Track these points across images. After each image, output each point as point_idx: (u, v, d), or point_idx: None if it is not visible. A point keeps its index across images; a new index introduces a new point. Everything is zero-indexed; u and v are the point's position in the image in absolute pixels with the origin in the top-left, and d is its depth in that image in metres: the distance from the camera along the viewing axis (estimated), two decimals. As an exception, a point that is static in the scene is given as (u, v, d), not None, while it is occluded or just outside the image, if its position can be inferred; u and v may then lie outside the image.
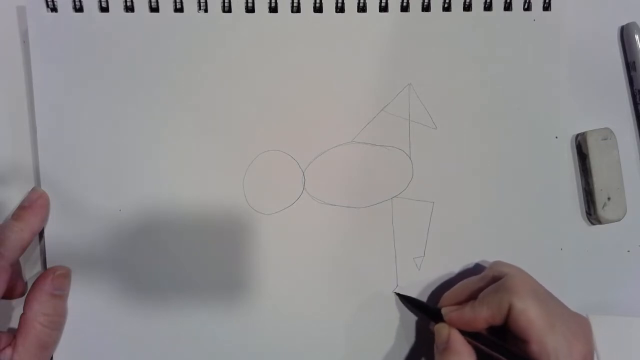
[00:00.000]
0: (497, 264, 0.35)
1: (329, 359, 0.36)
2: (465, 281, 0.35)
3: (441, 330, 0.33)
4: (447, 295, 0.35)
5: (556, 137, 0.37)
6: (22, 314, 0.33)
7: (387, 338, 0.37)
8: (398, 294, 0.37)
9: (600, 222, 0.38)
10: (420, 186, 0.37)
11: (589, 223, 0.39)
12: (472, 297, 0.33)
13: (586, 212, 0.39)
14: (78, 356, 0.35)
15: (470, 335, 0.32)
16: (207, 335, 0.36)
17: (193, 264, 0.36)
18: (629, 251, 0.39)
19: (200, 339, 0.36)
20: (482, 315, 0.32)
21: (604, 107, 0.39)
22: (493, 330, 0.33)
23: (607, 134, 0.38)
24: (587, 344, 0.31)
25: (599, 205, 0.38)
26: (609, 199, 0.38)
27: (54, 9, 0.35)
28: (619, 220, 0.38)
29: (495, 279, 0.33)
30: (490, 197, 0.37)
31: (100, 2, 0.35)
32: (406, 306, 0.37)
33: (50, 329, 0.33)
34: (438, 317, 0.34)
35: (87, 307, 0.35)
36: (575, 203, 0.39)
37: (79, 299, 0.35)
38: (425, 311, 0.36)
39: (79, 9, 0.35)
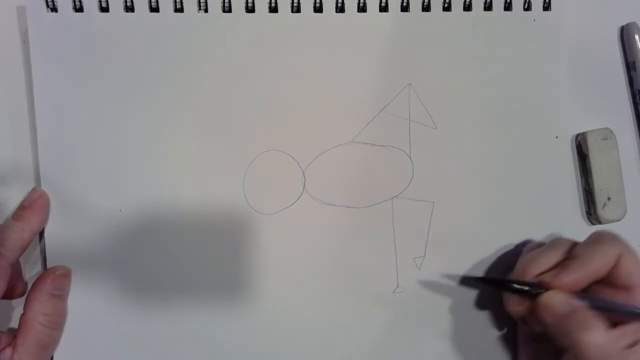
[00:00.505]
0: (562, 238, 0.34)
1: (328, 359, 0.36)
2: (535, 254, 0.33)
3: (553, 295, 0.31)
4: (535, 267, 0.33)
5: (556, 137, 0.37)
6: (22, 314, 0.33)
7: (388, 338, 0.37)
8: (477, 278, 0.36)
9: (600, 222, 0.38)
10: (420, 186, 0.37)
11: (589, 223, 0.39)
12: (553, 265, 0.32)
13: (586, 212, 0.39)
14: (78, 356, 0.35)
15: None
16: (207, 335, 0.36)
17: (193, 264, 0.36)
18: (629, 251, 0.39)
19: (200, 339, 0.36)
20: (592, 269, 0.31)
21: (604, 107, 0.39)
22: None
23: (607, 134, 0.38)
24: None
25: (599, 205, 0.38)
26: (609, 199, 0.38)
27: (54, 9, 0.35)
28: (619, 220, 0.38)
29: (563, 246, 0.33)
30: (490, 197, 0.37)
31: (100, 2, 0.35)
32: (477, 286, 0.36)
33: (51, 329, 0.33)
34: (524, 291, 0.32)
35: (87, 307, 0.35)
36: (575, 203, 0.39)
37: (79, 299, 0.35)
38: (507, 288, 0.33)
39: (79, 9, 0.35)
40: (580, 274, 0.31)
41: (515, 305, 0.33)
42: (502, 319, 0.37)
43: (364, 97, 0.37)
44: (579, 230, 0.39)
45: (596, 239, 0.32)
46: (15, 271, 0.34)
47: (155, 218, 0.36)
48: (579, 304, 0.30)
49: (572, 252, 0.32)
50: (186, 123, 0.36)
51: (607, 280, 0.31)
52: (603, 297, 0.31)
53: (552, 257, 0.33)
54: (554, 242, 0.34)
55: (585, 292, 0.32)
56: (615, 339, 0.29)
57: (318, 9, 0.36)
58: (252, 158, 0.36)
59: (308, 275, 0.36)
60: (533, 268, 0.32)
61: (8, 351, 0.32)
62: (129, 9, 0.35)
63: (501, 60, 0.37)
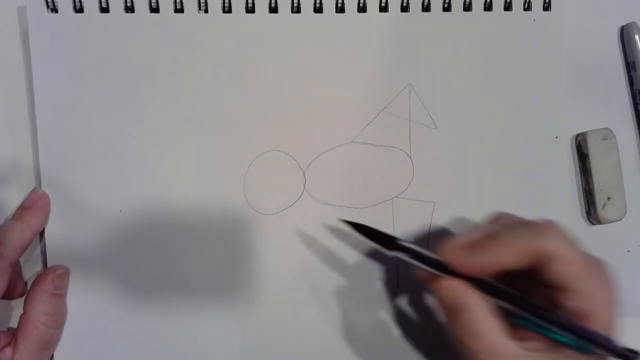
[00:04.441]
0: (500, 213, 0.32)
1: (328, 359, 0.36)
2: (469, 232, 0.30)
3: (449, 285, 0.28)
4: (453, 242, 0.29)
5: (556, 137, 0.37)
6: (23, 314, 0.33)
7: (388, 338, 0.37)
8: (398, 243, 0.30)
9: (600, 222, 0.38)
10: (420, 186, 0.37)
11: (589, 223, 0.39)
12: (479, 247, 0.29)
13: (586, 212, 0.39)
14: (78, 356, 0.35)
15: (483, 288, 0.28)
16: (207, 335, 0.36)
17: (193, 263, 0.36)
18: (629, 251, 0.39)
19: (200, 339, 0.36)
20: (503, 259, 0.28)
21: (604, 107, 0.39)
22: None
23: (607, 134, 0.38)
24: (614, 285, 0.29)
25: (599, 205, 0.38)
26: (609, 199, 0.38)
27: (54, 10, 0.35)
28: (619, 220, 0.38)
29: (502, 222, 0.30)
30: (490, 197, 0.37)
31: (100, 2, 0.35)
32: (404, 259, 0.30)
33: (52, 328, 0.33)
34: (436, 267, 0.29)
35: (87, 307, 0.35)
36: (575, 203, 0.39)
37: (79, 299, 0.35)
38: (425, 261, 0.30)
39: (79, 9, 0.35)
40: (483, 259, 0.28)
41: (426, 275, 0.30)
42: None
43: (364, 97, 0.37)
44: (579, 230, 0.38)
45: (528, 229, 0.29)
46: (15, 271, 0.34)
47: (155, 218, 0.36)
48: (475, 302, 0.28)
49: (497, 232, 0.29)
50: (186, 123, 0.36)
51: (540, 276, 0.28)
52: (520, 294, 0.28)
53: (477, 234, 0.29)
54: (495, 217, 0.32)
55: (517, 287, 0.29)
56: (502, 349, 0.27)
57: (318, 9, 0.36)
58: (252, 158, 0.36)
59: (308, 275, 0.36)
60: (455, 242, 0.29)
61: (8, 351, 0.32)
62: (129, 9, 0.35)
63: (501, 60, 0.37)
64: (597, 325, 0.27)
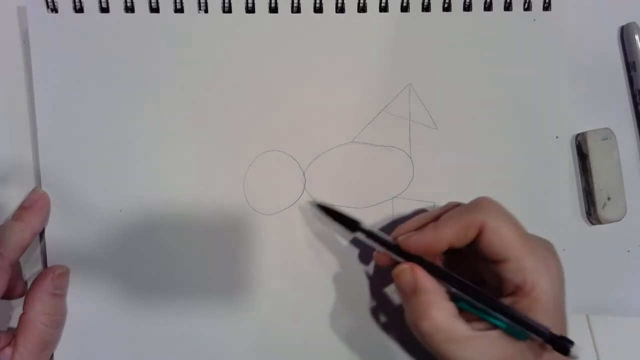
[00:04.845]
0: (454, 201, 0.33)
1: (328, 358, 0.36)
2: (421, 214, 0.33)
3: (404, 270, 0.30)
4: (402, 226, 0.33)
5: (556, 137, 0.37)
6: (22, 314, 0.33)
7: (388, 337, 0.37)
8: (361, 227, 0.33)
9: (600, 222, 0.38)
10: (420, 186, 0.37)
11: (589, 223, 0.39)
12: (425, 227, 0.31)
13: (586, 212, 0.39)
14: (78, 356, 0.35)
15: (434, 274, 0.30)
16: (207, 335, 0.36)
17: (193, 263, 0.36)
18: (629, 251, 0.39)
19: (200, 339, 0.36)
20: (446, 235, 0.30)
21: (604, 107, 0.39)
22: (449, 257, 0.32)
23: (607, 134, 0.38)
24: (561, 265, 0.30)
25: (599, 205, 0.38)
26: (609, 199, 0.38)
27: (54, 10, 0.35)
28: (619, 220, 0.38)
29: (455, 207, 0.32)
30: (490, 197, 0.37)
31: (100, 2, 0.35)
32: (366, 242, 0.33)
33: (52, 328, 0.33)
34: (395, 251, 0.32)
35: (87, 307, 0.35)
36: (575, 203, 0.39)
37: (79, 299, 0.35)
38: (382, 243, 0.32)
39: (79, 9, 0.35)
40: (430, 239, 0.30)
41: (381, 257, 0.33)
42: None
43: (364, 97, 0.37)
44: (579, 230, 0.39)
45: (466, 206, 0.31)
46: (15, 271, 0.34)
47: (155, 218, 0.36)
48: (428, 286, 0.29)
49: (441, 214, 0.31)
50: (186, 123, 0.36)
51: (483, 252, 0.29)
52: (466, 281, 0.30)
53: (427, 217, 0.32)
54: (447, 205, 0.33)
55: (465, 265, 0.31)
56: (451, 330, 0.28)
57: (318, 9, 0.36)
58: (253, 158, 0.36)
59: (308, 275, 0.36)
60: (406, 225, 0.32)
61: (8, 351, 0.32)
62: (129, 9, 0.35)
63: (501, 60, 0.37)
64: (541, 300, 0.28)
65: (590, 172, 0.38)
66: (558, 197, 0.37)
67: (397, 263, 0.31)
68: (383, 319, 0.37)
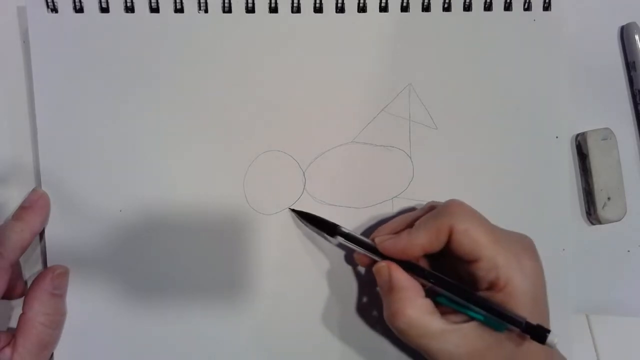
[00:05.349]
0: (433, 201, 0.34)
1: (328, 358, 0.36)
2: (401, 215, 0.34)
3: (382, 268, 0.31)
4: (382, 228, 0.34)
5: (556, 137, 0.37)
6: (22, 314, 0.33)
7: (388, 337, 0.37)
8: (341, 230, 0.34)
9: (600, 222, 0.38)
10: (420, 186, 0.37)
11: (589, 223, 0.39)
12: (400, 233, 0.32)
13: (586, 212, 0.39)
14: (78, 356, 0.35)
15: (412, 271, 0.31)
16: (206, 335, 0.36)
17: (193, 263, 0.36)
18: (629, 251, 0.39)
19: (200, 338, 0.36)
20: (419, 240, 0.30)
21: (604, 107, 0.39)
22: (431, 260, 0.33)
23: (607, 134, 0.38)
24: (537, 260, 0.31)
25: (599, 205, 0.38)
26: (609, 199, 0.38)
27: (54, 10, 0.35)
28: (619, 220, 0.38)
29: (432, 209, 0.32)
30: (490, 197, 0.37)
31: (100, 2, 0.35)
32: (346, 245, 0.34)
33: (52, 329, 0.33)
34: (374, 252, 0.32)
35: (87, 307, 0.35)
36: (575, 203, 0.39)
37: (79, 299, 0.35)
38: (362, 246, 0.33)
39: (79, 9, 0.35)
40: (404, 244, 0.31)
41: (362, 257, 0.34)
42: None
43: (364, 97, 0.37)
44: (579, 230, 0.39)
45: (436, 211, 0.31)
46: (15, 271, 0.34)
47: (155, 218, 0.36)
48: (404, 284, 0.30)
49: (415, 219, 0.32)
50: (186, 123, 0.36)
51: (457, 253, 0.30)
52: (441, 275, 0.31)
53: (406, 220, 0.33)
54: (426, 206, 0.34)
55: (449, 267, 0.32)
56: (426, 325, 0.29)
57: (318, 9, 0.36)
58: (253, 158, 0.36)
59: (307, 275, 0.36)
60: (385, 227, 0.33)
61: (7, 351, 0.32)
62: (129, 9, 0.35)
63: (501, 60, 0.37)
64: (515, 294, 0.29)
65: (590, 172, 0.38)
66: (558, 197, 0.37)
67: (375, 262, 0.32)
68: (383, 318, 0.37)
